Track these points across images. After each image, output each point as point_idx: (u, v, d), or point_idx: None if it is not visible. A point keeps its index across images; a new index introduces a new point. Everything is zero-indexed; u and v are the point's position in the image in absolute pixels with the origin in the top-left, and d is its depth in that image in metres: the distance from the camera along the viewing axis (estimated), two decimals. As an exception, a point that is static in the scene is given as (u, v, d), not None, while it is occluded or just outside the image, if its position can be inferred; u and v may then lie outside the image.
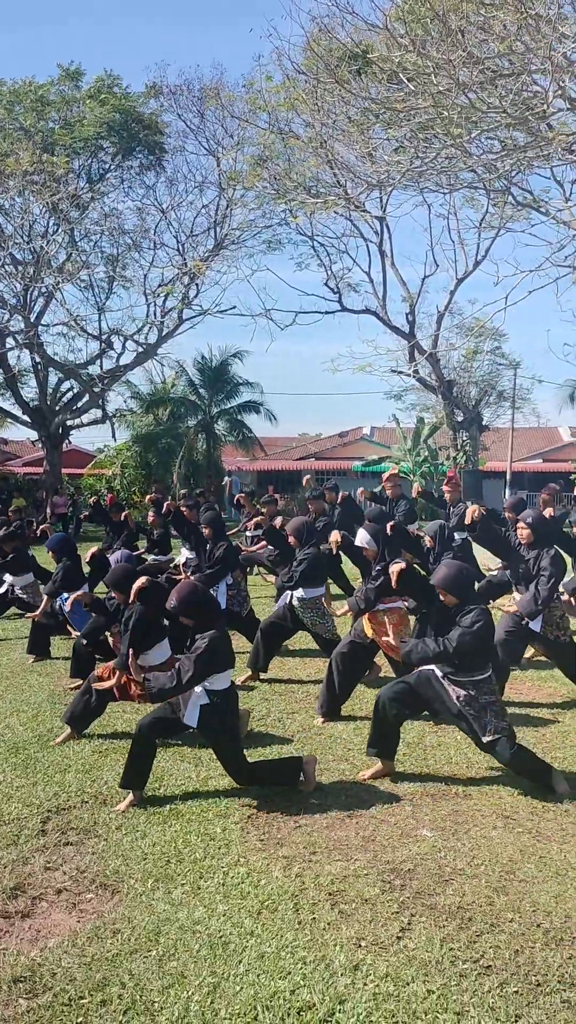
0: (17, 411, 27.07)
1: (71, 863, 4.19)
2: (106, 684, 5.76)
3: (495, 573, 8.52)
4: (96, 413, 27.65)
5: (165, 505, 10.22)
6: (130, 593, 5.56)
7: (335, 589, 10.69)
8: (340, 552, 6.87)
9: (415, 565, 6.73)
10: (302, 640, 8.40)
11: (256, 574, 12.71)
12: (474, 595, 5.14)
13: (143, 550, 11.95)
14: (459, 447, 26.37)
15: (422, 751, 5.71)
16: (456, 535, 9.19)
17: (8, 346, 25.61)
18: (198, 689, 4.76)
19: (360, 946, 3.43)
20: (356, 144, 10.18)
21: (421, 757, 5.60)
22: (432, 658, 4.91)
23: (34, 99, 23.44)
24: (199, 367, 31.59)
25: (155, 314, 26.08)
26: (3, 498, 25.54)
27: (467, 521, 6.29)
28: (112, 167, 24.90)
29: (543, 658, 7.91)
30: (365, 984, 3.17)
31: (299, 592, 7.27)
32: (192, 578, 7.63)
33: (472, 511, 6.25)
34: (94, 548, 7.65)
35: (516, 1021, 2.97)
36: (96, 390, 26.25)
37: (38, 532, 11.94)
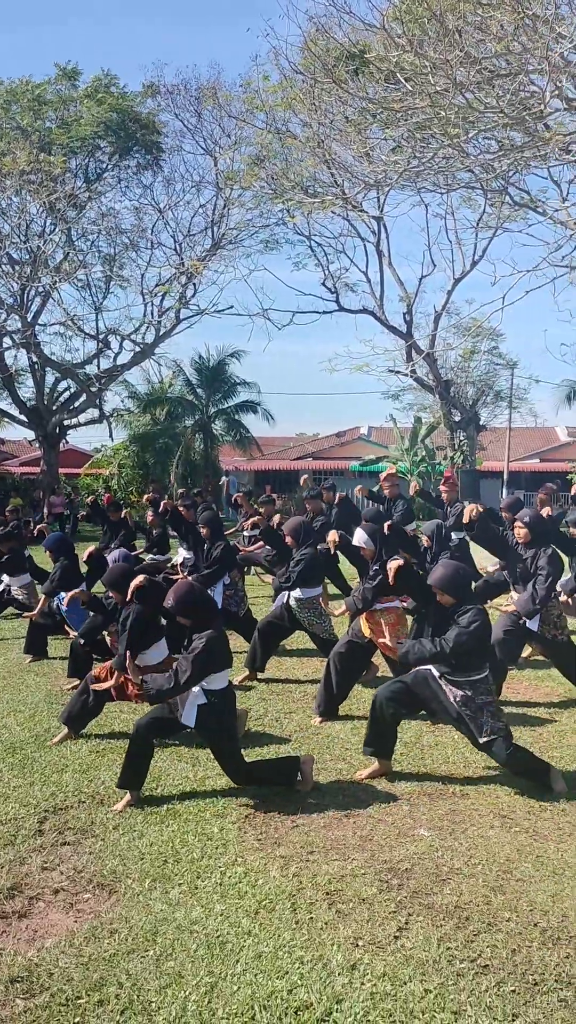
0: (14, 411, 27.04)
1: (68, 863, 4.19)
2: (104, 685, 5.76)
3: (493, 573, 8.52)
4: (93, 413, 27.63)
5: (162, 504, 10.23)
6: (127, 592, 5.56)
7: (332, 589, 10.70)
8: (338, 552, 6.87)
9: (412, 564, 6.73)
10: (299, 640, 8.40)
11: (253, 574, 12.71)
12: (471, 595, 5.14)
13: (141, 550, 11.96)
14: (456, 447, 26.35)
15: (419, 751, 5.71)
16: (453, 535, 9.20)
17: (5, 346, 25.58)
18: (196, 689, 4.76)
19: (357, 945, 3.43)
20: (353, 144, 10.18)
21: (418, 757, 5.60)
22: (429, 658, 4.91)
23: (31, 98, 23.40)
24: (196, 367, 31.56)
25: (152, 314, 26.06)
26: (0, 498, 25.51)
27: (465, 520, 6.29)
28: (109, 166, 24.88)
29: (540, 657, 7.92)
30: (362, 983, 3.18)
31: (296, 592, 7.27)
32: (189, 578, 7.62)
33: (470, 510, 6.25)
34: (92, 548, 7.64)
35: (513, 1020, 2.98)
36: (93, 390, 26.22)
37: (35, 532, 11.93)
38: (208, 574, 8.10)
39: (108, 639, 7.07)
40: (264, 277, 55.95)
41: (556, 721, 6.35)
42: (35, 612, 8.67)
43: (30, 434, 28.21)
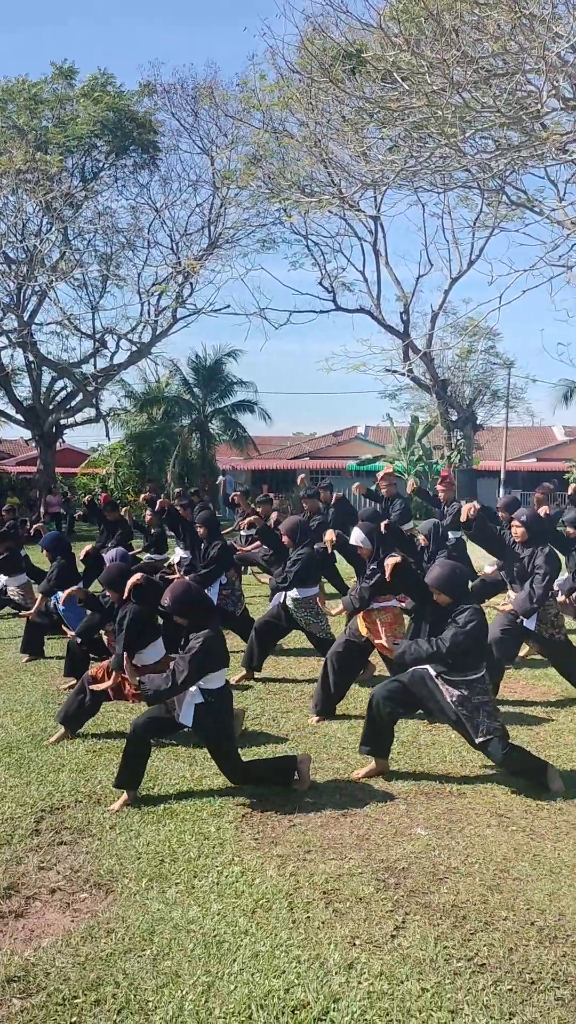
0: (10, 410, 26.98)
1: (65, 862, 4.19)
2: (103, 685, 5.75)
3: (491, 574, 8.52)
4: (90, 412, 27.58)
5: (158, 503, 10.23)
6: (125, 591, 5.55)
7: (330, 588, 10.69)
8: (335, 551, 6.87)
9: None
10: (296, 639, 8.40)
11: (250, 573, 12.71)
12: (468, 594, 5.15)
13: (139, 549, 11.96)
14: (453, 446, 26.36)
15: (416, 750, 5.71)
16: (450, 534, 9.21)
17: (1, 345, 25.53)
18: (193, 688, 4.76)
19: (354, 945, 3.43)
20: (350, 143, 10.18)
21: (415, 756, 5.60)
22: (426, 658, 4.91)
23: (27, 97, 23.36)
24: (193, 366, 31.55)
25: (149, 313, 26.03)
26: (-4, 497, 25.48)
27: (463, 518, 6.29)
28: (106, 165, 24.84)
29: (537, 656, 7.93)
30: (359, 982, 3.18)
31: (293, 592, 7.26)
32: (186, 577, 7.62)
33: (468, 508, 6.24)
34: (88, 547, 7.63)
35: (510, 1019, 2.98)
36: (90, 389, 26.18)
37: (32, 531, 11.92)
38: (205, 574, 8.10)
39: (105, 638, 7.07)
40: (261, 276, 55.91)
41: (553, 720, 6.36)
42: (32, 611, 8.67)
43: (26, 433, 28.18)
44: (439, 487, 10.37)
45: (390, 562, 5.30)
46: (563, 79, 7.25)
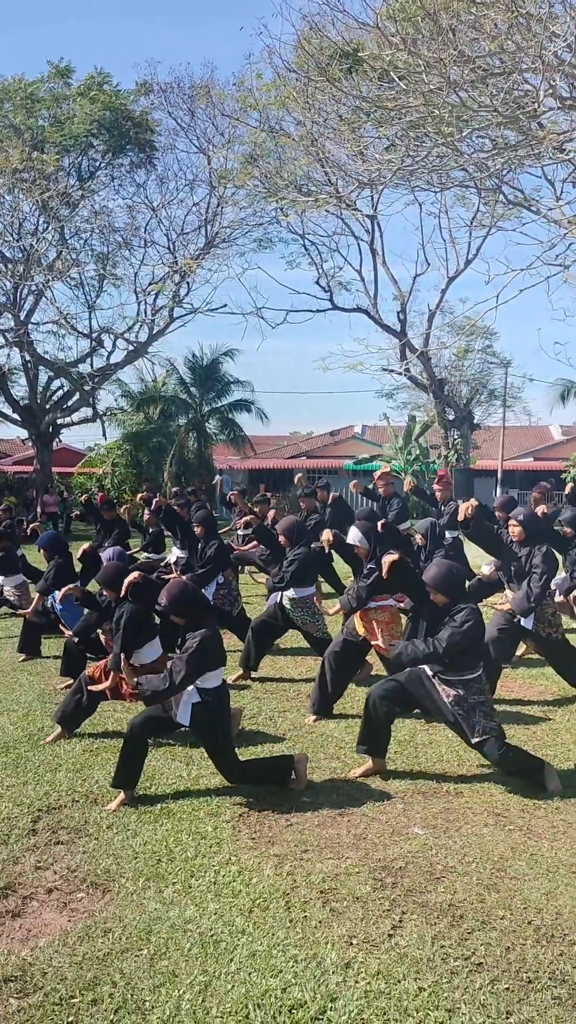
0: (7, 409, 26.95)
1: (62, 862, 4.18)
2: (101, 686, 5.74)
3: (489, 575, 8.52)
4: (86, 411, 27.58)
5: (154, 502, 10.23)
6: (122, 590, 5.55)
7: (327, 588, 10.69)
8: (332, 551, 6.86)
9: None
10: (293, 639, 8.40)
11: (246, 573, 12.70)
12: (465, 594, 5.14)
13: (136, 548, 11.95)
14: (450, 445, 26.38)
15: (413, 749, 5.72)
16: (447, 533, 9.21)
17: (-2, 344, 25.53)
18: (190, 687, 4.76)
19: (351, 944, 3.43)
20: (347, 142, 10.18)
21: (412, 755, 5.61)
22: (422, 659, 4.91)
23: (24, 96, 23.32)
24: (190, 365, 31.56)
25: (146, 312, 26.00)
26: (-7, 497, 25.45)
27: (461, 516, 6.28)
28: (102, 165, 24.80)
29: (534, 656, 7.94)
30: (356, 982, 3.18)
31: (290, 592, 7.26)
32: (183, 577, 7.61)
33: (466, 506, 6.23)
34: (86, 545, 7.63)
35: (507, 1018, 2.98)
36: (86, 388, 26.16)
37: (28, 531, 11.92)
38: (202, 573, 8.09)
39: (102, 638, 7.06)
40: (258, 276, 56.03)
41: (550, 719, 6.37)
42: (29, 610, 8.65)
43: (23, 433, 28.14)
44: (436, 486, 10.38)
45: (388, 559, 5.27)
46: (560, 78, 7.26)
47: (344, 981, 3.18)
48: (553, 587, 7.21)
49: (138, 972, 3.26)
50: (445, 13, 7.51)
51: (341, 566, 8.98)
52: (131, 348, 26.39)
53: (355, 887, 3.88)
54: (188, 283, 25.40)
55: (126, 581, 5.50)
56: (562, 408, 36.82)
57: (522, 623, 6.51)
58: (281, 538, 7.39)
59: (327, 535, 6.63)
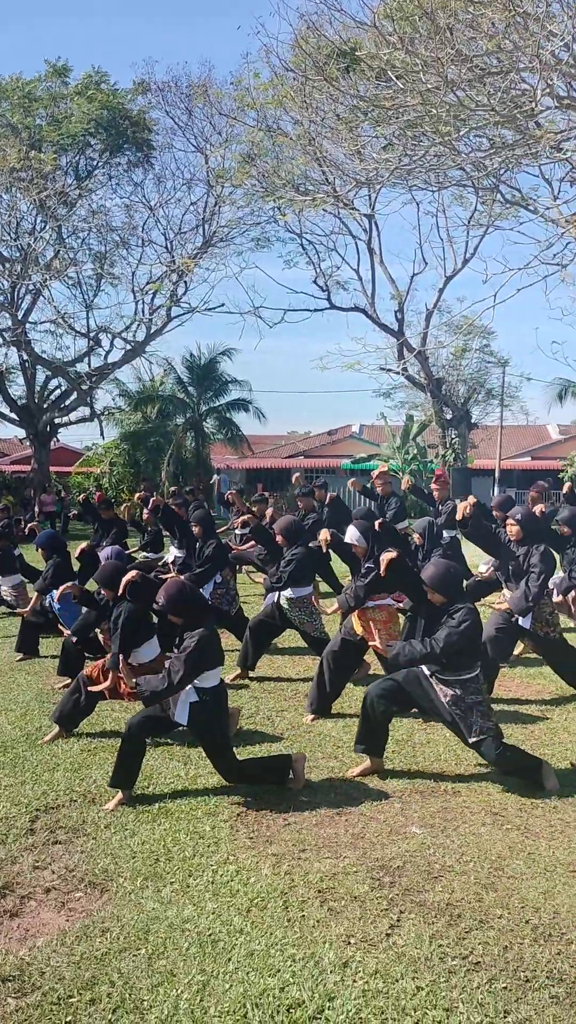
0: (5, 409, 26.92)
1: (60, 862, 4.18)
2: (100, 686, 5.74)
3: (487, 576, 8.53)
4: (84, 411, 27.56)
5: (152, 501, 10.23)
6: (120, 589, 5.55)
7: (324, 587, 10.69)
8: (329, 550, 6.86)
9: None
10: (291, 638, 8.40)
11: (244, 573, 12.69)
12: (462, 594, 5.14)
13: (135, 548, 11.94)
14: (448, 445, 26.39)
15: (411, 748, 5.72)
16: (445, 532, 9.22)
17: (-5, 343, 25.51)
18: (188, 687, 4.75)
19: (349, 943, 3.43)
20: (344, 142, 10.17)
21: (410, 754, 5.61)
22: (420, 659, 4.91)
23: (21, 95, 23.32)
24: (187, 365, 31.53)
25: (143, 312, 25.99)
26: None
27: (459, 515, 6.28)
28: (100, 164, 24.80)
29: (532, 655, 7.94)
30: (354, 981, 3.18)
31: (287, 592, 7.25)
32: (181, 576, 7.60)
33: (464, 505, 6.23)
34: (84, 544, 7.62)
35: (505, 1017, 2.98)
36: (84, 388, 26.15)
37: (26, 530, 11.91)
38: (200, 572, 8.09)
39: (100, 637, 7.06)
40: (255, 275, 55.69)
41: (547, 719, 6.37)
42: (27, 609, 8.65)
43: (21, 432, 28.12)
44: (434, 486, 10.38)
45: (386, 557, 5.26)
46: (557, 77, 7.26)
47: (342, 980, 3.18)
48: (551, 586, 7.21)
49: (136, 971, 3.26)
50: (442, 12, 7.51)
51: (339, 565, 8.99)
52: (129, 347, 26.38)
53: (353, 886, 3.88)
54: (186, 282, 25.40)
55: (124, 580, 5.50)
56: (560, 407, 36.85)
57: (520, 622, 6.52)
58: (279, 537, 7.39)
59: (325, 534, 6.63)
